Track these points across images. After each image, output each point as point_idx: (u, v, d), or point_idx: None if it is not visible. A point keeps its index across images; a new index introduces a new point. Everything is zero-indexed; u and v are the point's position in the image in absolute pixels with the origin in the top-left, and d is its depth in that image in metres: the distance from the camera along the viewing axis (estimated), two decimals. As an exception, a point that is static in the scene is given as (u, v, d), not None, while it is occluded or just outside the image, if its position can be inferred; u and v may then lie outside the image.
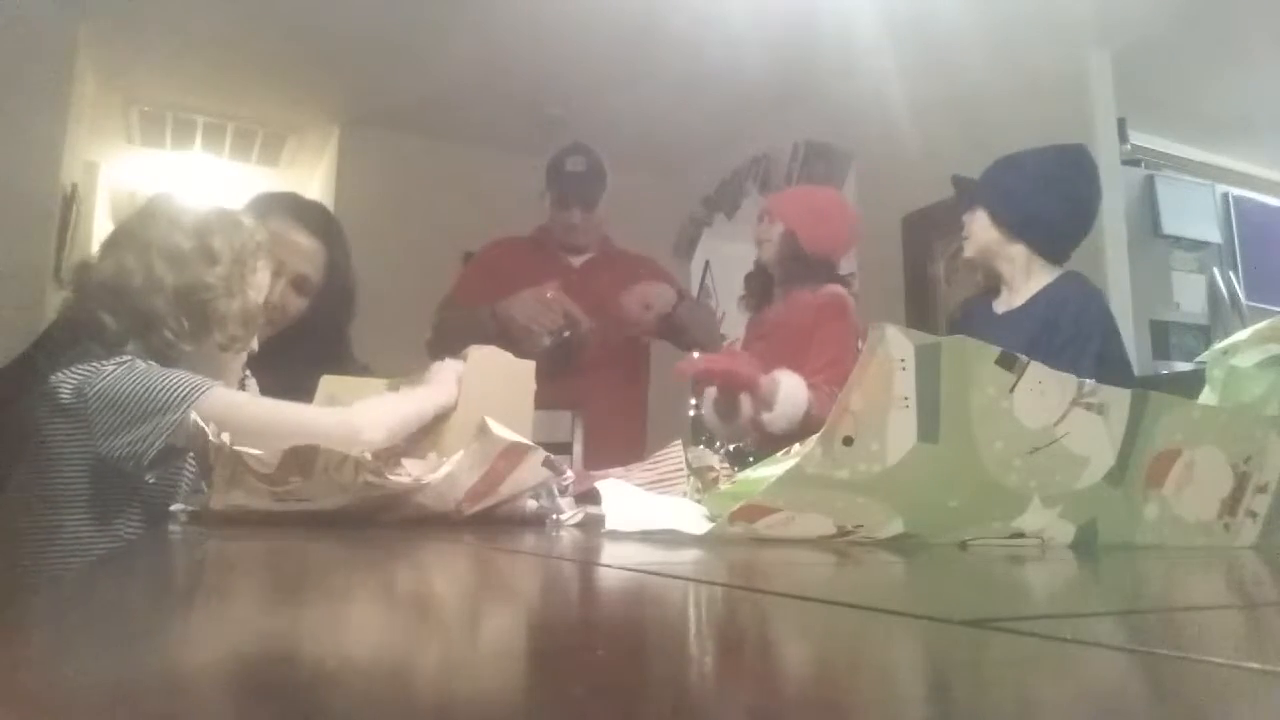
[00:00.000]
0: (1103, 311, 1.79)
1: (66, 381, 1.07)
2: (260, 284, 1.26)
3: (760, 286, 2.25)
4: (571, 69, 3.64)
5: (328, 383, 1.38)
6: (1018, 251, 1.85)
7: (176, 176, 4.67)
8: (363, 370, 1.66)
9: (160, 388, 1.04)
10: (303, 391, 1.34)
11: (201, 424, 0.86)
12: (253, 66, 3.74)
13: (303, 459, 0.81)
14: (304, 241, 1.54)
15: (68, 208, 3.47)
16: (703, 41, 3.31)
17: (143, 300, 1.14)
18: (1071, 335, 1.71)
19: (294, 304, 1.54)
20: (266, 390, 1.37)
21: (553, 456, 1.00)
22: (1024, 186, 1.84)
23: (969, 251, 1.93)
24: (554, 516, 1.01)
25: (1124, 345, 1.85)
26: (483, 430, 0.94)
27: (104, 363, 1.08)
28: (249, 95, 4.01)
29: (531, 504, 1.00)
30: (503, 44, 3.44)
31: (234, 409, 1.06)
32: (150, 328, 1.14)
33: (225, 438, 0.83)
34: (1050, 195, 1.82)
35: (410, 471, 0.95)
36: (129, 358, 1.09)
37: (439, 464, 0.95)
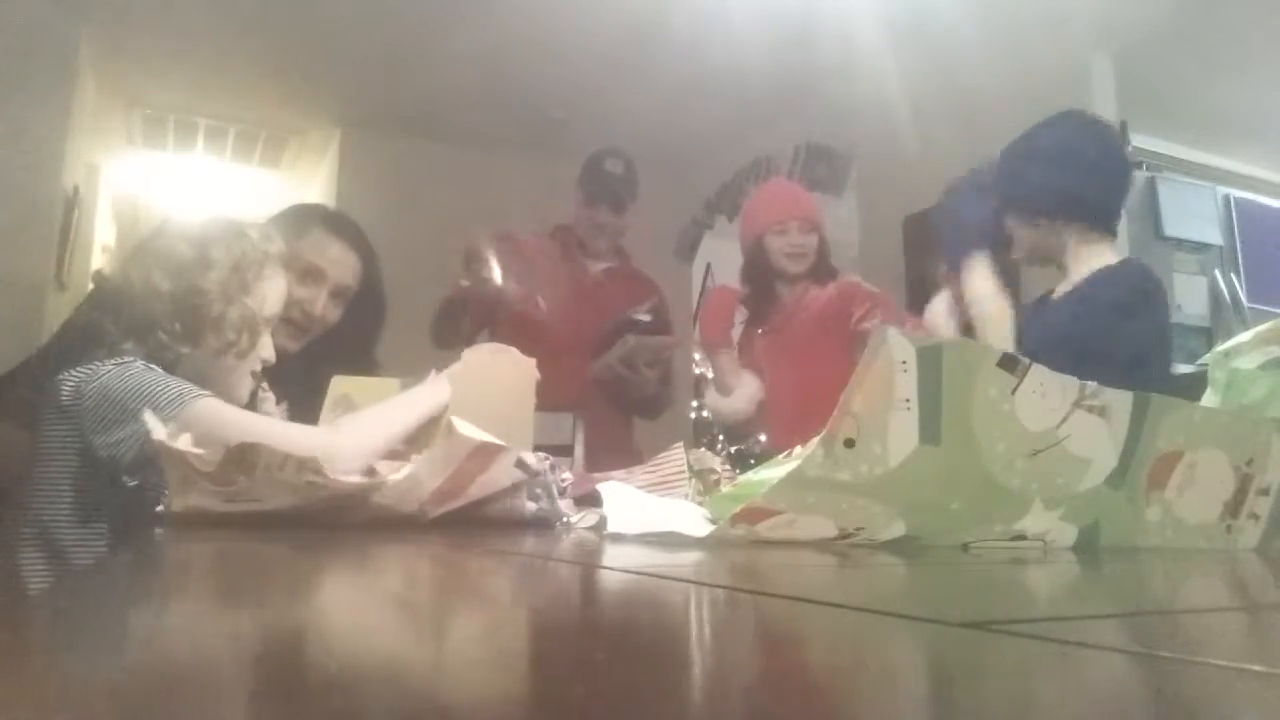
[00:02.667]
0: (1152, 297, 1.67)
1: (67, 382, 1.08)
2: (266, 294, 1.26)
3: (765, 294, 2.24)
4: (573, 71, 3.64)
5: (339, 383, 1.38)
6: (1062, 235, 1.74)
7: (178, 179, 4.68)
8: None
9: (149, 390, 1.05)
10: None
11: (153, 423, 0.84)
12: (254, 69, 3.74)
13: (244, 458, 0.78)
14: (342, 253, 1.59)
15: (69, 210, 3.47)
16: (704, 44, 3.31)
17: (140, 305, 1.16)
18: (1114, 314, 1.60)
19: (332, 314, 1.59)
20: (292, 397, 1.41)
21: (526, 456, 0.97)
22: (1039, 166, 1.73)
23: (1016, 254, 1.82)
24: (564, 520, 1.00)
25: (1168, 339, 1.73)
26: (449, 430, 0.89)
27: (104, 362, 1.09)
28: (251, 98, 4.02)
29: (530, 506, 0.99)
30: (504, 46, 3.45)
31: (218, 420, 1.04)
32: (147, 330, 1.16)
33: (169, 437, 0.80)
34: (1069, 164, 1.70)
35: (382, 472, 0.92)
36: (129, 359, 1.10)
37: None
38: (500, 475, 0.93)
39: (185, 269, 1.18)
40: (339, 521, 0.84)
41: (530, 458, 1.00)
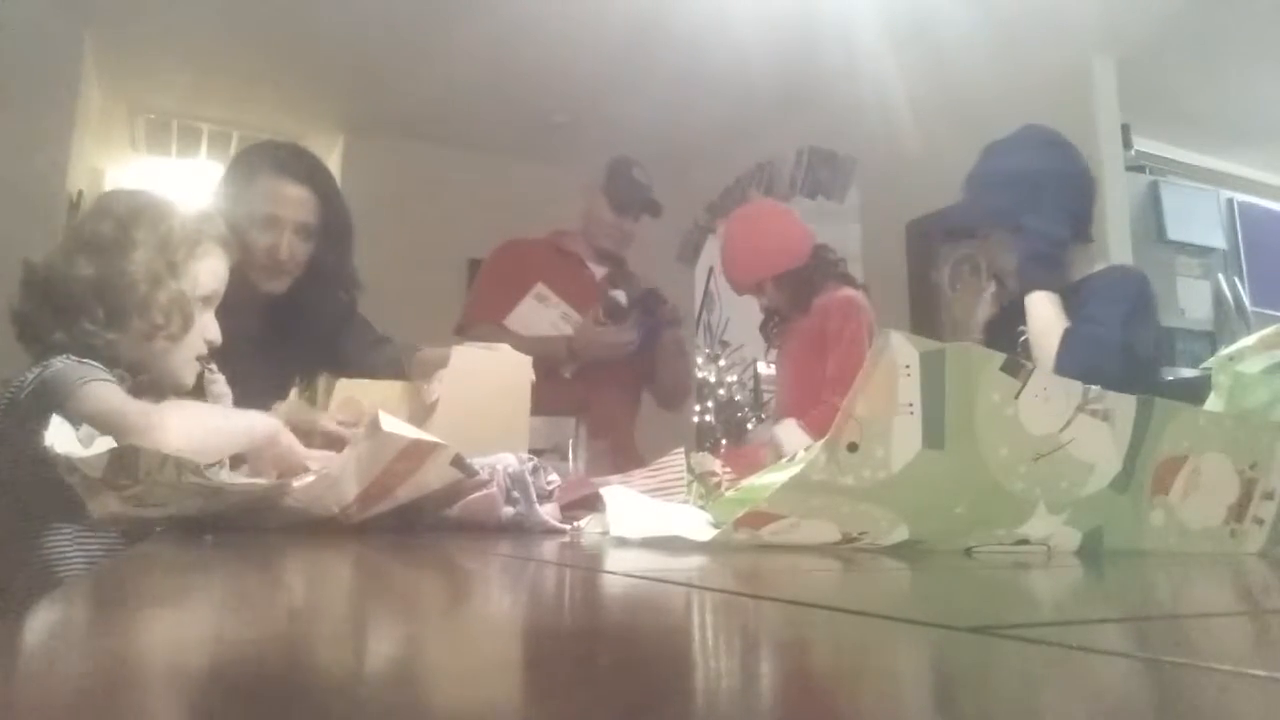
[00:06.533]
0: (1137, 292, 1.63)
1: (8, 390, 1.07)
2: (198, 274, 1.22)
3: (777, 319, 2.30)
4: (575, 75, 3.65)
5: (344, 386, 1.37)
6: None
7: (182, 183, 4.69)
8: (384, 342, 1.71)
9: (55, 383, 1.02)
10: (316, 341, 1.53)
11: (54, 429, 0.79)
12: (258, 74, 3.75)
13: (126, 460, 0.74)
14: (293, 190, 1.60)
15: (73, 214, 3.48)
16: (706, 48, 3.32)
17: (61, 292, 1.13)
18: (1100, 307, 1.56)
19: (301, 250, 1.61)
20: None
21: (464, 456, 0.88)
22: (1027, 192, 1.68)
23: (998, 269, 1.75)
24: (575, 525, 0.98)
25: (1154, 336, 1.68)
26: (373, 428, 0.81)
27: (32, 369, 1.07)
28: (254, 103, 4.03)
29: (508, 510, 0.93)
30: (506, 51, 3.45)
31: (105, 405, 1.01)
32: (70, 319, 1.12)
33: (62, 442, 0.76)
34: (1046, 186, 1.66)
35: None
36: (51, 359, 1.07)
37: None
38: (433, 475, 0.84)
39: (106, 249, 1.15)
40: (254, 524, 0.80)
41: (502, 457, 0.94)
